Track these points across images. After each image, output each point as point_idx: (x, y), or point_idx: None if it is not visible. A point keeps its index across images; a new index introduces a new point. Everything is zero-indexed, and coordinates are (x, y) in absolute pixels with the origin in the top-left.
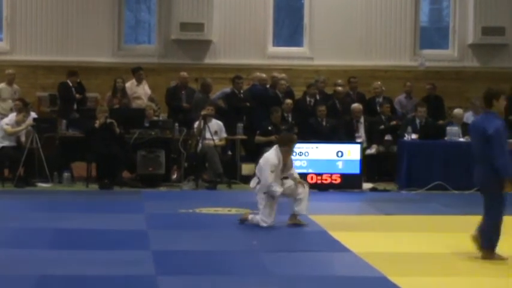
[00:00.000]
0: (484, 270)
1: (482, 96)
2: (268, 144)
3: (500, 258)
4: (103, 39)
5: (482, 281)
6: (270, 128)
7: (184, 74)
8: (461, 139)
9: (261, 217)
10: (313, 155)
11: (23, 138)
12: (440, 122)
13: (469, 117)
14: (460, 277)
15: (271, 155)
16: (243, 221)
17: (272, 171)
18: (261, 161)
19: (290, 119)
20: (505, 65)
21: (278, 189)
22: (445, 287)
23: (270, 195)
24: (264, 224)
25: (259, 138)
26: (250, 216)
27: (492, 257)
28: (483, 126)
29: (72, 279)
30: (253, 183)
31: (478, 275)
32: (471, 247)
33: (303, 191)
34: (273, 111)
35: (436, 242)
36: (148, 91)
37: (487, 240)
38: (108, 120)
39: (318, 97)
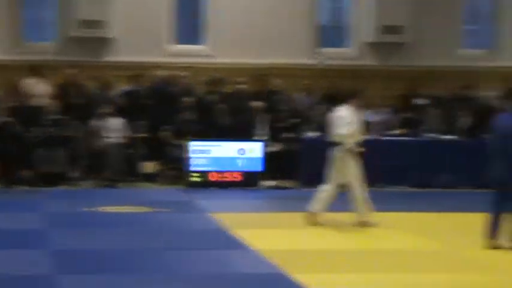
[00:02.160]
0: (379, 265)
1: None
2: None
3: None
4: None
5: (378, 277)
6: (172, 126)
7: (71, 70)
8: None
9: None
10: (215, 153)
11: None
12: None
13: (368, 115)
14: (359, 273)
15: (342, 111)
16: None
17: (348, 123)
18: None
19: (192, 117)
20: (403, 64)
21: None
22: (345, 283)
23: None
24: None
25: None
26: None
27: None
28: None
29: None
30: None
31: (375, 271)
32: (368, 242)
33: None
34: (176, 110)
35: (339, 238)
36: (49, 89)
37: None
38: (6, 119)
39: (219, 95)
